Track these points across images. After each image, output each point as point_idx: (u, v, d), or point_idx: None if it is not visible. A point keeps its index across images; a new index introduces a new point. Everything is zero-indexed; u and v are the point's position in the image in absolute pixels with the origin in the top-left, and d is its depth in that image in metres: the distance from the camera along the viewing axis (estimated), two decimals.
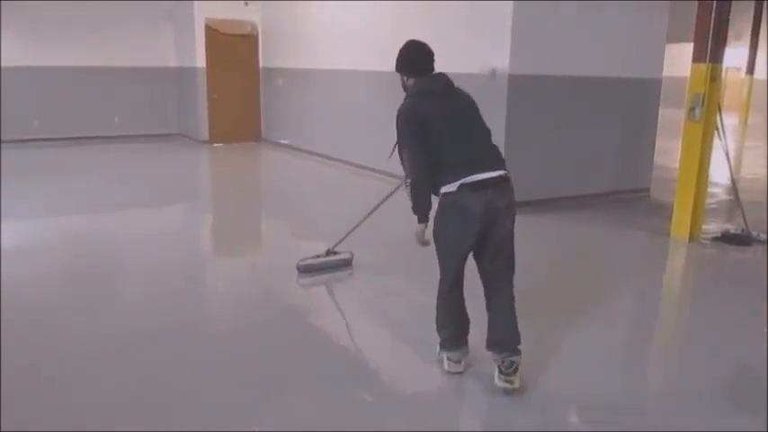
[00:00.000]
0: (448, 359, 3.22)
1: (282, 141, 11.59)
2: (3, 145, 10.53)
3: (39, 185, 8.04)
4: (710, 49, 5.51)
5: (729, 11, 5.52)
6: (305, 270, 4.70)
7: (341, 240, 4.78)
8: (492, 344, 3.07)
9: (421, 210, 3.06)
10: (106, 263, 5.14)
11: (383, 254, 5.37)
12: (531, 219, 6.02)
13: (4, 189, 7.28)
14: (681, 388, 3.26)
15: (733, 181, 6.42)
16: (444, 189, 2.95)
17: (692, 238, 5.80)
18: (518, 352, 3.02)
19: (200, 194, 8.75)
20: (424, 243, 3.12)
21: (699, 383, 3.27)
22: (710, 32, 5.49)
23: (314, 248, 5.62)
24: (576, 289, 4.60)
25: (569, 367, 3.36)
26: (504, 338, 3.03)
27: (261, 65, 12.14)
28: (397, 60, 3.16)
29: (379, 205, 4.72)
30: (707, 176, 5.88)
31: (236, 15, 11.65)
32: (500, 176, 2.95)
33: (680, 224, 5.86)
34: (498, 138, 3.19)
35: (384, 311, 4.15)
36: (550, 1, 6.59)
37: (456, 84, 3.14)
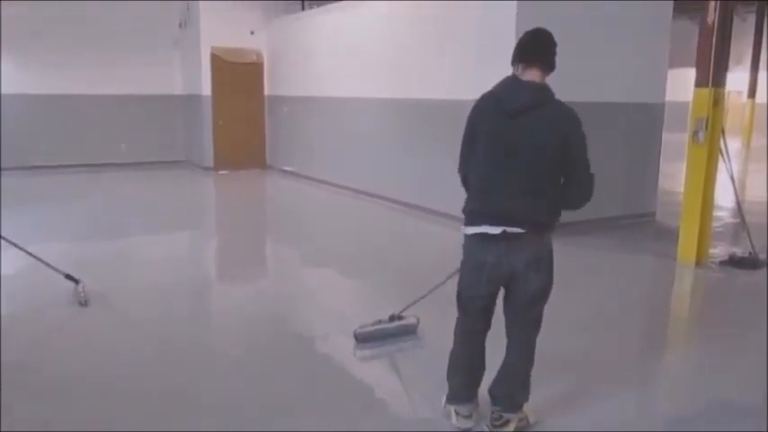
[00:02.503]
0: (456, 413, 2.92)
1: (287, 168, 11.65)
2: (12, 171, 10.63)
3: (45, 212, 8.08)
4: (712, 73, 5.56)
5: (730, 36, 5.58)
6: (363, 339, 3.95)
7: (408, 306, 4.06)
8: (490, 392, 2.94)
9: None
10: (113, 288, 5.14)
11: (396, 279, 5.38)
12: None
13: (15, 215, 7.33)
14: (690, 419, 3.23)
15: (738, 204, 6.42)
16: (462, 228, 2.78)
17: (698, 262, 5.78)
18: (513, 410, 2.86)
19: (206, 221, 8.78)
20: None
21: (707, 416, 3.24)
22: (712, 57, 5.55)
23: (321, 274, 5.66)
24: (582, 315, 4.57)
25: (573, 394, 3.32)
26: (503, 393, 2.89)
27: (266, 92, 12.26)
28: None
29: (447, 279, 3.70)
30: (712, 200, 5.88)
31: (241, 44, 11.80)
32: (518, 233, 2.62)
33: (686, 248, 5.84)
34: None
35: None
36: (552, 28, 6.66)
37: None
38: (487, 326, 2.90)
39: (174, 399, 3.28)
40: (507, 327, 2.87)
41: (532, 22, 6.87)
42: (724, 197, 7.76)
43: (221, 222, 8.74)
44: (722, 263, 5.85)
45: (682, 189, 5.99)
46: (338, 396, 3.32)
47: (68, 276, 4.78)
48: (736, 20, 5.79)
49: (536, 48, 2.73)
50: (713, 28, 5.49)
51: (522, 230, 2.61)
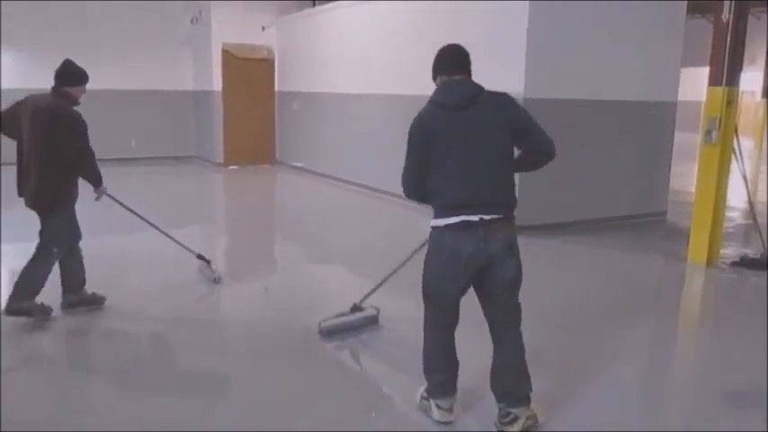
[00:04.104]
0: (438, 407, 2.93)
1: (297, 164, 11.66)
2: None
3: None
4: (726, 72, 5.50)
5: (745, 34, 5.53)
6: (329, 333, 3.96)
7: (368, 295, 4.14)
8: (493, 390, 2.90)
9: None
10: (120, 283, 5.16)
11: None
12: (546, 242, 5.93)
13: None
14: (695, 416, 3.21)
15: (751, 204, 6.36)
16: (433, 222, 2.78)
17: (709, 262, 5.73)
18: (520, 403, 2.82)
19: (216, 217, 8.80)
20: None
21: (716, 418, 3.21)
22: (726, 56, 5.50)
23: (328, 272, 5.66)
24: (591, 315, 4.53)
25: (584, 398, 3.29)
26: (505, 388, 2.85)
27: (276, 88, 12.28)
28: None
29: (409, 258, 3.93)
30: (724, 200, 5.83)
31: (252, 40, 11.81)
32: (494, 219, 2.68)
33: (697, 249, 5.79)
34: None
35: (397, 337, 4.12)
36: (565, 25, 6.63)
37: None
38: (458, 319, 2.93)
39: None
40: (491, 324, 2.88)
41: (545, 21, 6.91)
42: (736, 198, 7.70)
43: (231, 218, 8.75)
44: (733, 264, 5.80)
45: (693, 189, 5.93)
46: (339, 393, 3.32)
47: (200, 256, 5.21)
48: (750, 19, 5.72)
49: (450, 61, 2.86)
50: (728, 26, 5.44)
51: (497, 215, 2.68)
